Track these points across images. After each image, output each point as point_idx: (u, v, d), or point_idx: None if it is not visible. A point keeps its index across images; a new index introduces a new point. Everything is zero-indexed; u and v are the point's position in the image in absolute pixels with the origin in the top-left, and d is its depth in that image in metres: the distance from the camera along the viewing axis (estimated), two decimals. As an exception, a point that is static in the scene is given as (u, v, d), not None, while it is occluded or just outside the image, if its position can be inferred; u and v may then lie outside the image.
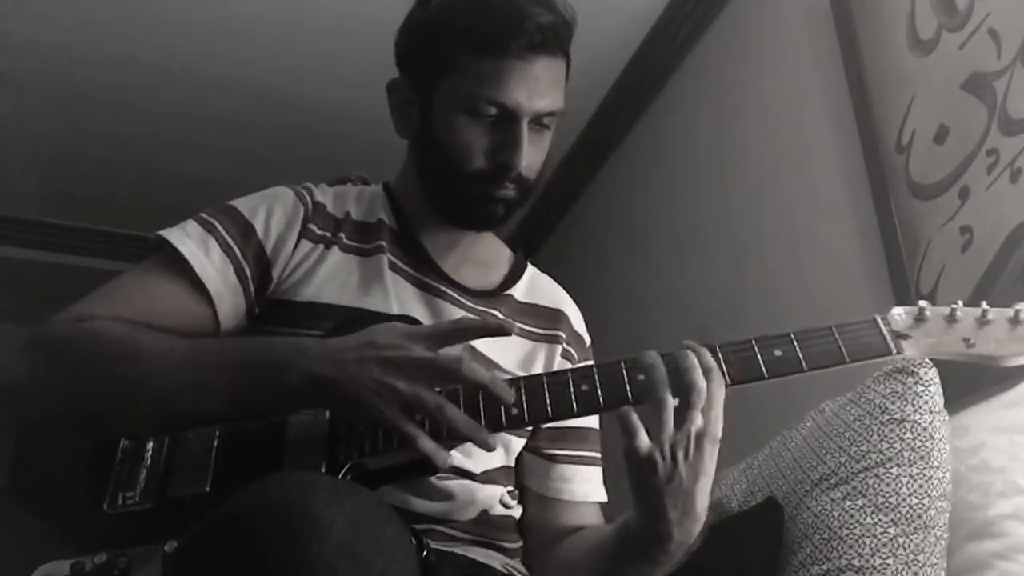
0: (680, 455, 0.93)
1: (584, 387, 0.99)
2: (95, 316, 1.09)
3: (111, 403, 1.04)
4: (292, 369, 0.98)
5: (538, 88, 1.15)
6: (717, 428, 0.94)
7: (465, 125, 1.16)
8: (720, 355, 0.99)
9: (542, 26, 1.13)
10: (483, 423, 0.99)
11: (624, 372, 0.99)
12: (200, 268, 1.13)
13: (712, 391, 0.94)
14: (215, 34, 2.77)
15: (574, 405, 0.99)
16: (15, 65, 2.85)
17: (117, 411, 1.05)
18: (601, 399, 0.99)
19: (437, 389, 0.97)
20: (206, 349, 1.05)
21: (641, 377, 0.97)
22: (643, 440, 0.93)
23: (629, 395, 0.98)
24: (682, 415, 0.93)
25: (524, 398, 1.00)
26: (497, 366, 1.21)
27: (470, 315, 1.23)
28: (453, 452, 1.06)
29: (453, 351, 1.00)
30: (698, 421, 0.93)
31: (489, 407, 0.99)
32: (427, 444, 0.95)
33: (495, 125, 1.16)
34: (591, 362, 1.24)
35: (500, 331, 1.03)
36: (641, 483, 0.95)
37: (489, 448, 0.99)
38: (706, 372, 0.95)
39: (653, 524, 0.96)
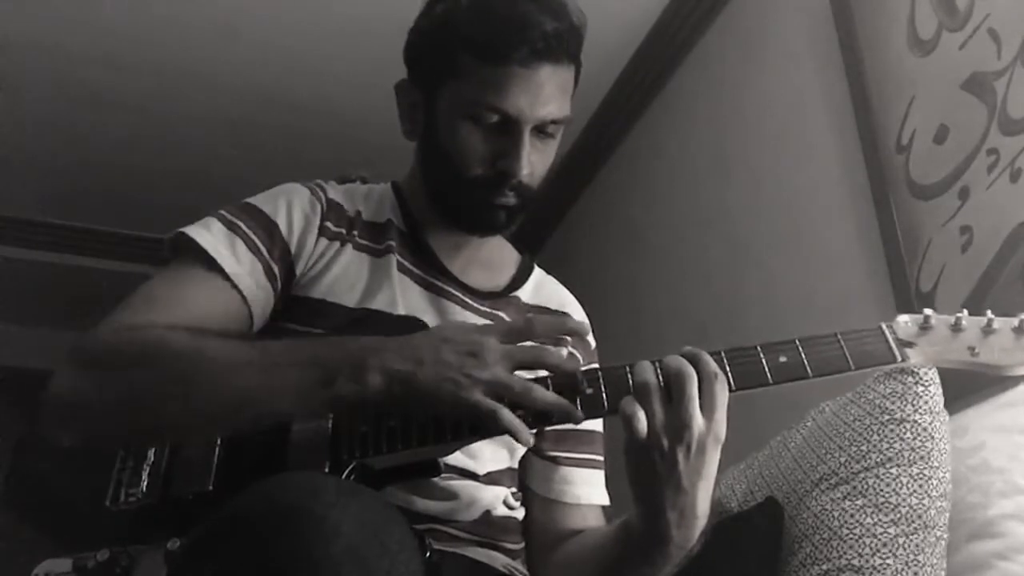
0: (680, 454, 0.92)
1: (589, 390, 0.99)
2: (143, 324, 1.07)
3: (177, 411, 1.02)
4: (368, 366, 0.96)
5: (541, 96, 1.14)
6: (720, 430, 0.94)
7: (467, 131, 1.16)
8: (725, 361, 0.99)
9: (546, 33, 1.12)
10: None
11: (629, 376, 0.98)
12: (231, 269, 1.13)
13: (715, 393, 0.93)
14: (215, 34, 2.77)
15: (579, 408, 0.99)
16: (15, 65, 2.85)
17: (184, 418, 1.02)
18: (606, 403, 0.99)
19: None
20: (271, 350, 1.03)
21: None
22: (640, 432, 0.92)
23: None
24: (679, 412, 0.92)
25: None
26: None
27: (506, 320, 1.23)
28: (457, 453, 1.06)
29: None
30: (699, 420, 0.92)
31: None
32: (511, 419, 0.94)
33: (497, 132, 1.15)
34: (596, 365, 1.25)
35: (577, 331, 1.06)
36: (639, 480, 0.95)
37: (578, 420, 0.98)
38: (707, 376, 0.93)
39: (652, 524, 0.96)
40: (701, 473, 0.93)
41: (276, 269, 1.16)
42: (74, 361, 1.05)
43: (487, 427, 0.96)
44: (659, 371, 0.95)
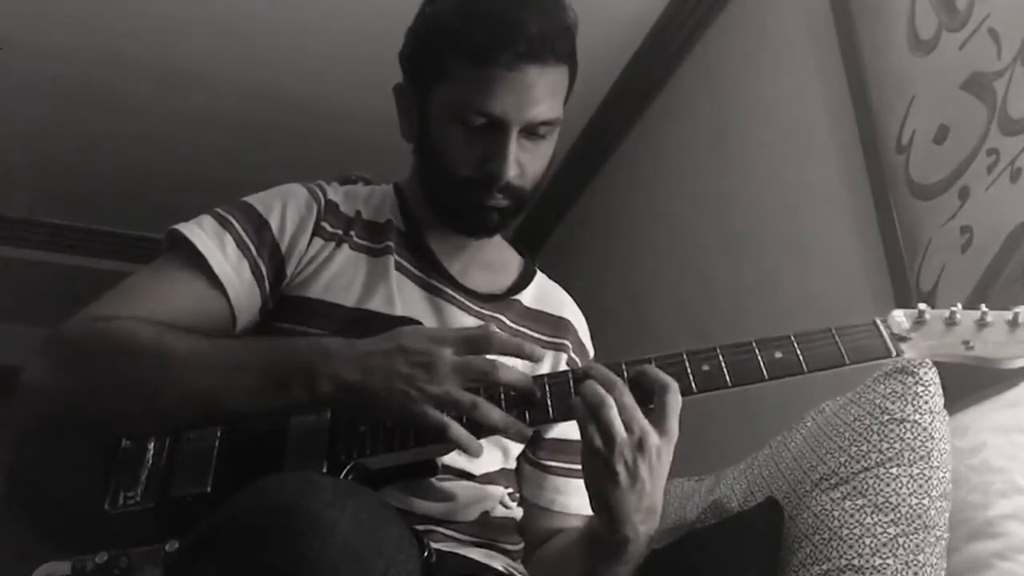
0: (642, 464, 0.94)
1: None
2: (115, 316, 1.09)
3: (133, 403, 1.04)
4: (319, 374, 0.98)
5: (528, 98, 1.13)
6: (672, 432, 0.96)
7: (456, 133, 1.16)
8: (720, 356, 0.99)
9: (531, 35, 1.11)
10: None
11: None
12: (217, 265, 1.14)
13: (666, 399, 0.95)
14: (215, 34, 2.77)
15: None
16: (15, 65, 2.85)
17: (139, 411, 1.04)
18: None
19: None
20: (232, 350, 1.05)
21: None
22: (601, 448, 0.93)
23: None
24: (641, 424, 0.94)
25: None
26: None
27: (495, 327, 1.23)
28: (453, 454, 1.06)
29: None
30: (648, 432, 0.94)
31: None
32: (459, 433, 0.96)
33: (485, 134, 1.15)
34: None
35: (531, 356, 1.03)
36: (603, 492, 0.96)
37: (526, 438, 1.00)
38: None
39: (619, 529, 0.97)
40: (661, 474, 0.96)
41: (264, 268, 1.17)
42: (44, 350, 1.07)
43: (437, 439, 0.97)
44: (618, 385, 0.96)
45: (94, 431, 1.06)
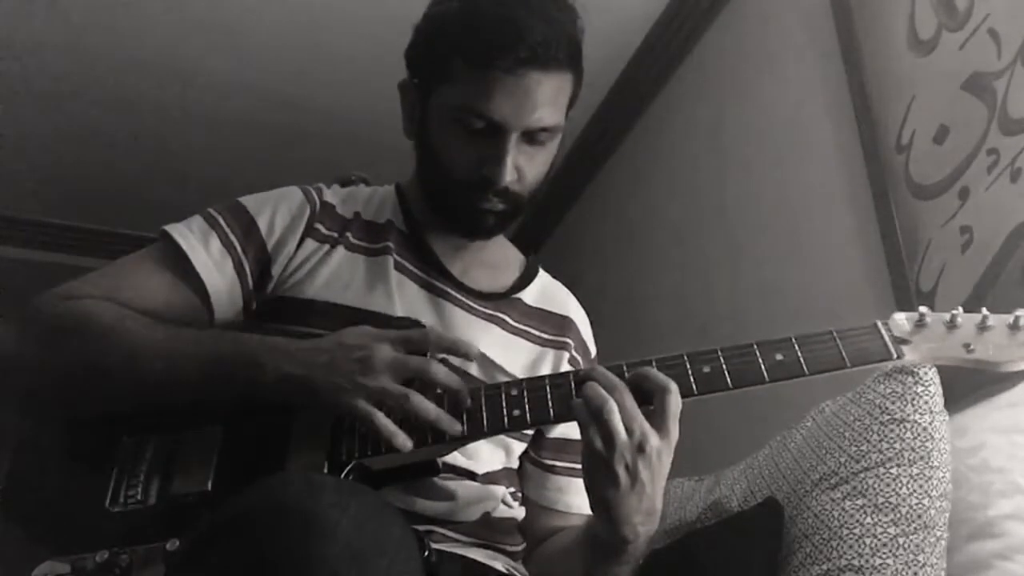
0: (642, 466, 0.94)
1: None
2: (86, 296, 1.12)
3: (89, 381, 1.07)
4: (264, 367, 1.01)
5: (528, 103, 1.13)
6: (672, 433, 0.96)
7: (455, 135, 1.16)
8: (721, 358, 0.99)
9: (534, 41, 1.11)
10: (484, 424, 1.00)
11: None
12: (197, 260, 1.15)
13: (666, 401, 0.95)
14: (215, 34, 2.77)
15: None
16: (16, 65, 2.85)
17: (91, 389, 1.07)
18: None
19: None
20: (183, 339, 1.07)
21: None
22: (602, 451, 0.94)
23: None
24: (643, 427, 0.94)
25: (527, 400, 1.01)
26: (502, 370, 1.21)
27: (480, 317, 1.24)
28: (455, 453, 1.06)
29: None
30: (649, 434, 0.94)
31: (491, 409, 1.01)
32: (383, 423, 0.98)
33: (483, 137, 1.15)
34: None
35: (467, 354, 1.04)
36: (603, 494, 0.96)
37: (456, 433, 1.00)
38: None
39: (619, 531, 0.97)
40: (661, 476, 0.96)
41: (248, 266, 1.18)
42: (14, 321, 1.11)
43: (368, 430, 1.00)
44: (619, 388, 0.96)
45: (50, 407, 1.10)
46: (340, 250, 1.22)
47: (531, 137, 1.16)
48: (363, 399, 0.98)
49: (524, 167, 1.17)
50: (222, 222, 1.20)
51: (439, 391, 1.01)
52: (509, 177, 1.15)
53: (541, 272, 1.38)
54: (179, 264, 1.16)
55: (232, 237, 1.19)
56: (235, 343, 1.05)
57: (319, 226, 1.23)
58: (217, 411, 1.07)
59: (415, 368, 1.00)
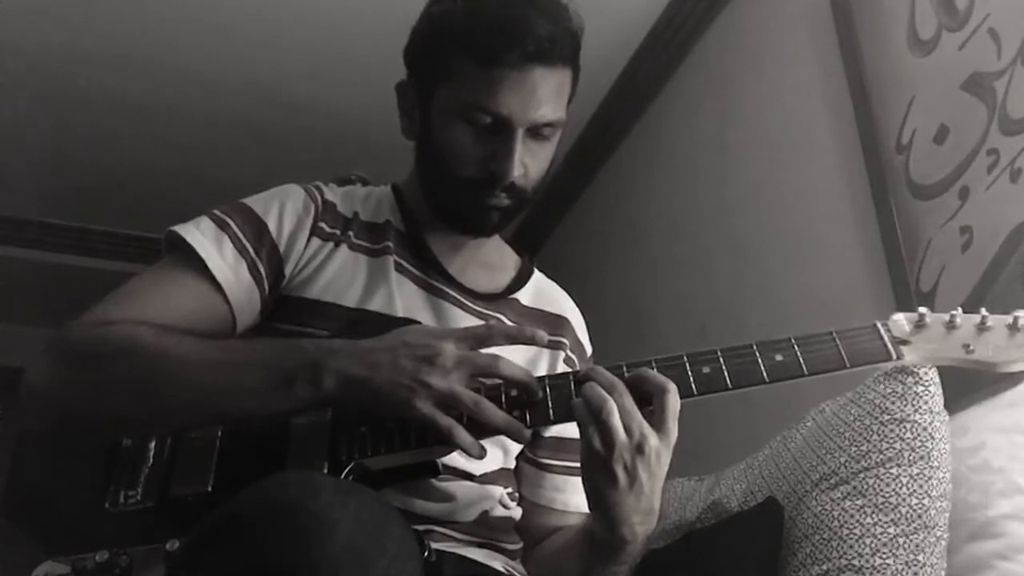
0: (641, 466, 0.94)
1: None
2: (117, 320, 1.09)
3: (136, 406, 1.04)
4: (325, 369, 0.98)
5: (533, 98, 1.14)
6: (673, 435, 0.96)
7: (460, 132, 1.16)
8: (721, 359, 0.99)
9: (539, 36, 1.12)
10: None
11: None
12: (215, 267, 1.14)
13: (665, 401, 0.95)
14: (215, 34, 2.77)
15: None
16: (16, 65, 2.85)
17: (142, 414, 1.04)
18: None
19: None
20: (235, 349, 1.06)
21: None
22: (601, 451, 0.94)
23: None
24: (641, 427, 0.94)
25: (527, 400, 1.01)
26: None
27: (494, 321, 1.23)
28: (454, 454, 1.06)
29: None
30: (648, 434, 0.94)
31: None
32: (463, 437, 0.96)
33: (489, 134, 1.15)
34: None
35: (533, 340, 1.03)
36: (602, 494, 0.96)
37: (526, 440, 0.99)
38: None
39: (618, 531, 0.97)
40: (660, 476, 0.96)
41: (263, 268, 1.17)
42: (48, 352, 1.08)
43: (440, 441, 0.98)
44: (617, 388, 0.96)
45: (96, 433, 1.06)
46: (343, 249, 1.22)
47: (535, 132, 1.17)
48: (427, 401, 0.96)
49: (529, 163, 1.17)
50: (232, 225, 1.18)
51: (483, 384, 0.99)
52: (517, 172, 1.15)
53: (536, 272, 1.38)
54: (199, 273, 1.14)
55: (244, 240, 1.17)
56: (292, 347, 1.03)
57: (323, 224, 1.22)
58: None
59: (483, 365, 0.98)
